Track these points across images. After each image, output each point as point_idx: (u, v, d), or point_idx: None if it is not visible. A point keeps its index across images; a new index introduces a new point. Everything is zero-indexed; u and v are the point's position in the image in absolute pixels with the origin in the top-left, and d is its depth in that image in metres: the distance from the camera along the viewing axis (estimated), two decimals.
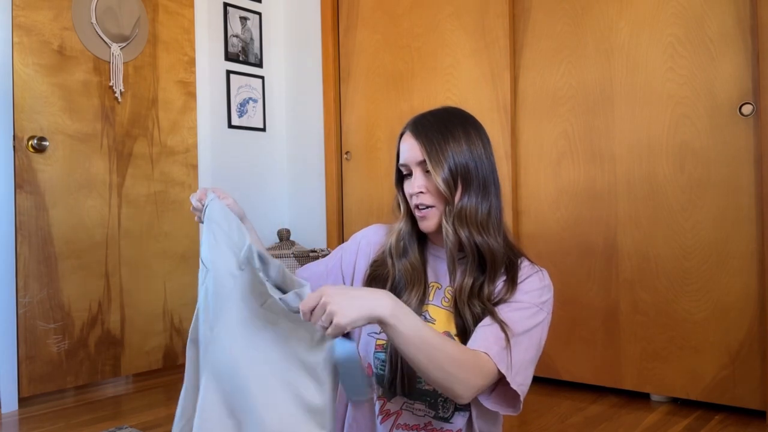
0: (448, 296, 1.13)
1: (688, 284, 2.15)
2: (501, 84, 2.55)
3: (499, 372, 1.00)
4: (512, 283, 1.10)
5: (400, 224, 1.17)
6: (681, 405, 2.21)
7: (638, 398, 2.29)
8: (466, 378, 0.96)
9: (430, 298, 1.14)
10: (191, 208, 1.17)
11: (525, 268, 1.14)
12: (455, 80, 2.68)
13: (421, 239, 1.19)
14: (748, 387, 2.05)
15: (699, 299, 2.13)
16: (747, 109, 2.04)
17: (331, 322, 0.86)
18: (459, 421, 1.12)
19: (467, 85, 2.64)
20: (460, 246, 1.09)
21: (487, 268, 1.10)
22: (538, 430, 2.01)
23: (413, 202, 1.12)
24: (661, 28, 2.20)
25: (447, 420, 1.12)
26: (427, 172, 1.10)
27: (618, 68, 2.29)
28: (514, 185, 2.53)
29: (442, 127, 1.10)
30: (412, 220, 1.16)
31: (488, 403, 1.07)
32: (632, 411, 2.17)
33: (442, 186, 1.07)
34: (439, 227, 1.10)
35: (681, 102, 2.16)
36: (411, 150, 1.10)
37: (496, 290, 1.10)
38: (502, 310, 1.07)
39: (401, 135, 1.16)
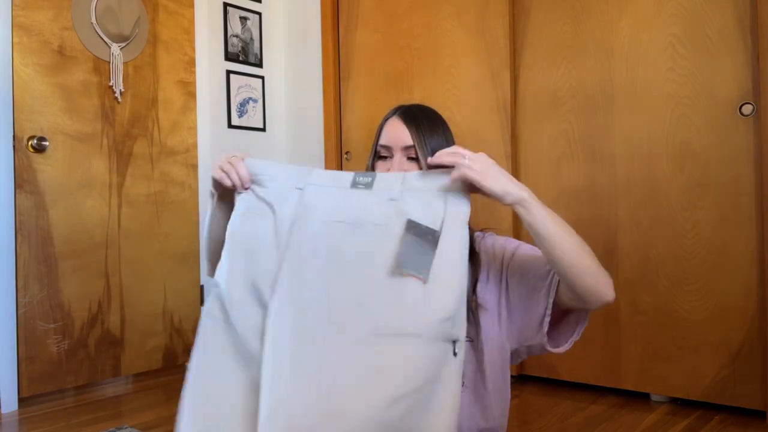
0: None
1: (688, 284, 2.15)
2: (501, 84, 2.55)
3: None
4: (476, 258, 1.18)
5: None
6: (681, 405, 2.21)
7: (638, 398, 2.29)
8: (604, 274, 1.02)
9: None
10: (214, 186, 1.16)
11: (487, 239, 1.23)
12: (455, 80, 2.68)
13: None
14: (748, 387, 2.05)
15: (699, 299, 2.13)
16: (747, 109, 2.04)
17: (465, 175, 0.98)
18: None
19: (467, 85, 2.64)
20: None
21: None
22: (538, 430, 2.01)
23: None
24: (661, 28, 2.20)
25: None
26: (410, 158, 1.16)
27: (618, 68, 2.29)
28: None
29: (428, 119, 1.20)
30: None
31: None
32: (632, 411, 2.17)
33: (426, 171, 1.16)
34: None
35: (681, 102, 2.16)
36: (399, 133, 1.17)
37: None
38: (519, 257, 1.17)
39: (386, 119, 1.23)
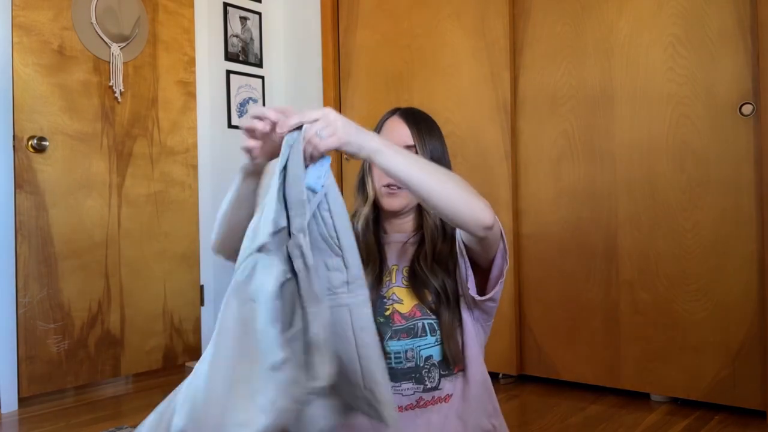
0: (405, 273, 1.23)
1: (688, 284, 2.15)
2: (501, 84, 2.55)
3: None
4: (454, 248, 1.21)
5: (365, 209, 1.27)
6: (681, 405, 2.21)
7: (638, 398, 2.29)
8: (475, 199, 1.02)
9: (393, 280, 1.23)
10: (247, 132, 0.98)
11: None
12: (455, 80, 2.68)
13: (376, 226, 1.30)
14: (748, 387, 2.05)
15: (699, 299, 2.13)
16: (747, 109, 2.04)
17: (328, 136, 0.91)
18: (447, 386, 1.19)
19: (467, 85, 2.64)
20: (418, 228, 1.26)
21: (438, 247, 1.22)
22: (538, 430, 2.01)
23: (385, 180, 1.22)
24: (661, 28, 2.20)
25: (435, 388, 1.19)
26: None
27: (618, 68, 2.29)
28: (514, 185, 2.52)
29: (426, 122, 1.26)
30: (374, 205, 1.27)
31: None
32: (632, 411, 2.17)
33: None
34: (402, 208, 1.24)
35: (681, 102, 2.16)
36: (401, 132, 1.22)
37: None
38: None
39: (385, 119, 1.27)
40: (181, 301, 2.84)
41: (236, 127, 3.13)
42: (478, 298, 1.15)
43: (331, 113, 0.93)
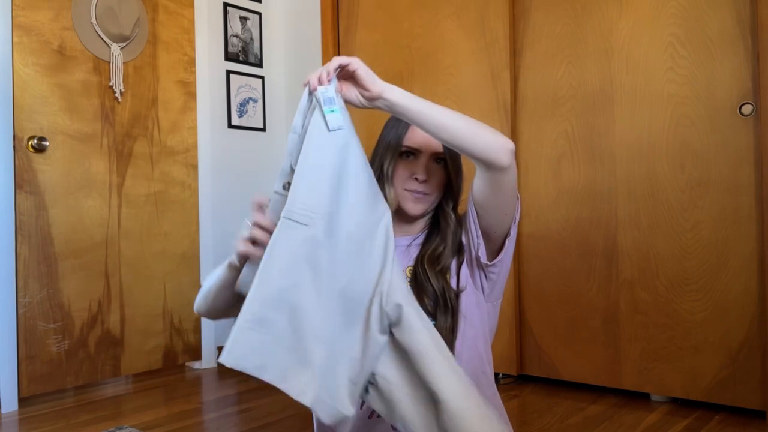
0: (409, 275, 1.24)
1: (688, 284, 2.15)
2: (501, 84, 2.55)
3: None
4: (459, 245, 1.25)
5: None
6: (681, 405, 2.21)
7: (638, 398, 2.29)
8: (489, 129, 1.06)
9: None
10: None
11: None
12: (455, 80, 2.68)
13: None
14: (748, 387, 2.05)
15: (699, 299, 2.13)
16: (747, 109, 2.04)
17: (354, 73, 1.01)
18: None
19: (467, 85, 2.64)
20: (423, 228, 1.28)
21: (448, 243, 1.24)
22: (538, 430, 2.01)
23: (412, 185, 1.22)
24: (661, 28, 2.20)
25: None
26: (437, 161, 1.23)
27: (618, 68, 2.29)
28: None
29: None
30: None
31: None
32: (632, 411, 2.17)
33: (454, 178, 1.24)
34: (424, 213, 1.25)
35: (681, 102, 2.16)
36: (430, 138, 1.19)
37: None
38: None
39: None
40: (181, 301, 2.84)
41: (236, 127, 3.13)
42: (488, 263, 1.19)
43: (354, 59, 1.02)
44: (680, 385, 2.18)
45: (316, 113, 1.00)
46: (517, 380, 2.54)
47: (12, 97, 2.33)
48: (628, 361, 2.28)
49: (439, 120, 1.03)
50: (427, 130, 1.04)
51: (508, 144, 1.05)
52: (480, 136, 1.04)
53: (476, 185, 1.15)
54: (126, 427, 2.08)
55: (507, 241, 1.20)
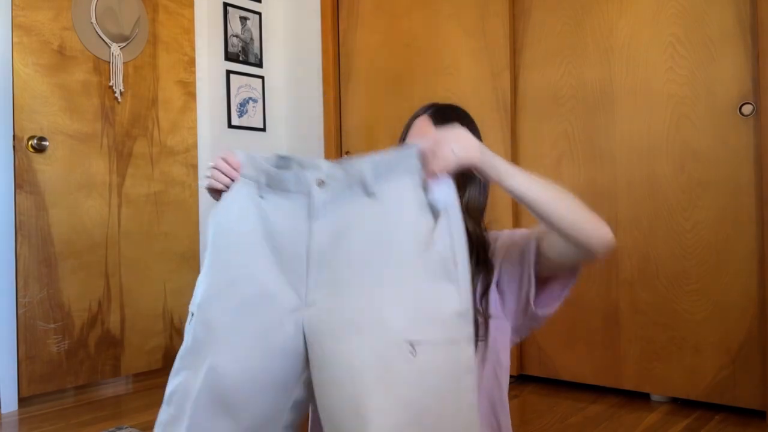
0: None
1: (688, 284, 2.15)
2: (501, 84, 2.55)
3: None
4: (486, 260, 1.16)
5: None
6: (681, 405, 2.21)
7: (638, 398, 2.29)
8: (598, 219, 1.01)
9: None
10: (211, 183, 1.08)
11: (496, 239, 1.20)
12: (455, 80, 2.68)
13: None
14: (748, 387, 2.05)
15: (699, 299, 2.13)
16: (747, 109, 2.04)
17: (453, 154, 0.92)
18: None
19: (467, 85, 2.64)
20: None
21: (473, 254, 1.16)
22: (538, 430, 2.01)
23: None
24: (661, 28, 2.20)
25: None
26: None
27: (618, 68, 2.29)
28: None
29: (461, 122, 1.15)
30: None
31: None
32: (632, 411, 2.17)
33: (465, 191, 1.14)
34: None
35: (681, 102, 2.16)
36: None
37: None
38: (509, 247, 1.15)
39: (416, 116, 1.20)
40: (181, 301, 2.83)
41: (236, 127, 3.13)
42: (540, 312, 1.12)
43: (464, 131, 0.95)
44: (680, 385, 2.18)
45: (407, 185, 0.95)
46: (517, 380, 2.54)
47: (12, 97, 2.32)
48: (628, 361, 2.28)
49: (549, 209, 0.99)
50: (534, 214, 1.01)
51: (608, 237, 1.01)
52: (584, 228, 1.00)
53: (552, 244, 1.07)
54: (126, 427, 2.08)
55: (561, 296, 1.13)
